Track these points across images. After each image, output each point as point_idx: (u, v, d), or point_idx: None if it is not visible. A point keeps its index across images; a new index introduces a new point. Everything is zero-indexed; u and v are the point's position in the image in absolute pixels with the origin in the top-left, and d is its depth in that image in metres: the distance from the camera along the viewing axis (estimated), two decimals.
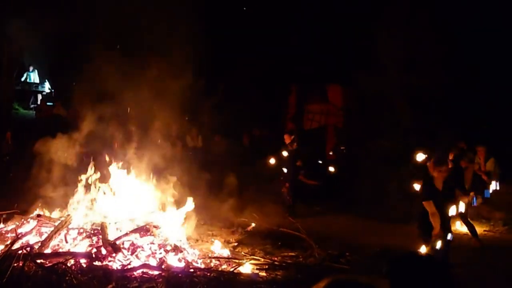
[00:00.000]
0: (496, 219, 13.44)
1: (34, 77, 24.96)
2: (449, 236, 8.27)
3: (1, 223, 10.46)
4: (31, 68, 24.83)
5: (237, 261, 9.12)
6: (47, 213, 10.19)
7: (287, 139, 14.55)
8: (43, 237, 9.02)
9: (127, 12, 11.30)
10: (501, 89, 16.87)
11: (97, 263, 8.21)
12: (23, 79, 24.78)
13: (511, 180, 14.76)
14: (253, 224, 11.97)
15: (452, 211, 8.71)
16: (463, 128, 13.82)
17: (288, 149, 14.42)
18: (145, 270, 8.10)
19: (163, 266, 8.29)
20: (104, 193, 10.26)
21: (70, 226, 9.19)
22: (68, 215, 9.40)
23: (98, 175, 10.42)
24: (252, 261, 9.19)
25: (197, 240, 10.55)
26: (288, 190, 14.35)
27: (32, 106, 24.50)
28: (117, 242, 8.69)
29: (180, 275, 8.00)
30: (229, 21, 20.02)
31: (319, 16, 19.97)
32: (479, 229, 12.18)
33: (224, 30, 19.56)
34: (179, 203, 10.39)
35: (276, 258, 9.64)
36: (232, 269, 8.68)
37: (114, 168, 10.49)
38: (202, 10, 13.27)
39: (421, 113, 15.14)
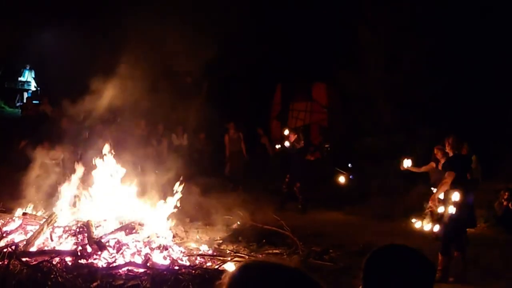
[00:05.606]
0: (477, 216, 13.55)
1: (29, 75, 24.54)
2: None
3: None
4: (28, 66, 24.45)
5: (221, 258, 9.20)
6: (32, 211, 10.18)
7: (292, 137, 14.65)
8: (28, 235, 9.04)
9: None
10: (483, 86, 17.04)
11: (82, 261, 8.25)
12: (20, 78, 24.40)
13: (493, 177, 14.93)
14: (238, 222, 12.03)
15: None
16: (444, 125, 13.92)
17: (295, 147, 14.50)
18: (130, 268, 8.16)
19: (148, 264, 8.35)
20: (90, 191, 10.27)
21: (55, 224, 9.22)
22: (54, 213, 9.40)
23: (83, 173, 10.44)
24: (237, 258, 9.27)
25: (182, 238, 10.61)
26: (299, 189, 14.44)
27: (18, 104, 24.20)
28: (103, 240, 8.74)
29: (165, 272, 8.07)
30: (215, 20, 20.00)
31: (303, 15, 20.05)
32: None
33: (210, 28, 19.56)
34: (164, 200, 10.45)
35: (260, 255, 9.72)
36: (216, 267, 8.77)
37: (100, 166, 10.49)
38: (187, 8, 13.27)
39: (403, 111, 15.29)
